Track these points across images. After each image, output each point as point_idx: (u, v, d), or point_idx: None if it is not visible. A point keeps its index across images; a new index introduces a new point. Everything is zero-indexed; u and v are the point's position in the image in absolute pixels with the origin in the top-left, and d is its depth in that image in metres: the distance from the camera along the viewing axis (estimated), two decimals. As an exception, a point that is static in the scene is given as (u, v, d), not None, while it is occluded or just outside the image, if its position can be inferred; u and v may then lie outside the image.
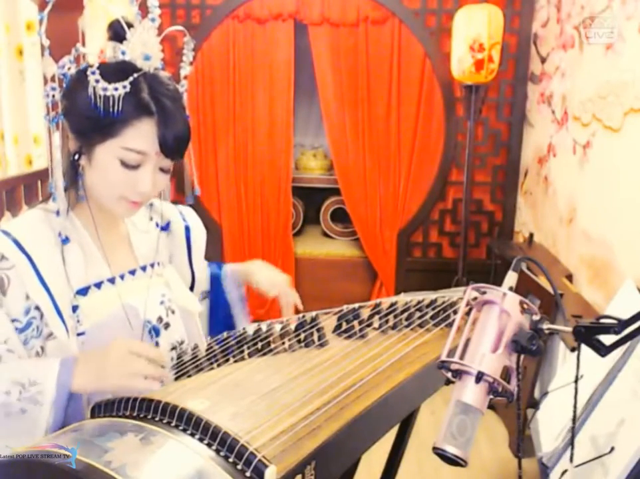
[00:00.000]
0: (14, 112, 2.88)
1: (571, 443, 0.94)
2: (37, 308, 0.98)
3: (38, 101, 2.92)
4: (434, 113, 3.44)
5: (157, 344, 1.12)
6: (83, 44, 1.02)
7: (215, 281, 1.40)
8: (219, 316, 1.38)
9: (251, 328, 1.14)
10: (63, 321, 1.00)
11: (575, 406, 0.90)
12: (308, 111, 4.21)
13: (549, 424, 1.55)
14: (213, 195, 3.58)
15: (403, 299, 1.30)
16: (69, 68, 1.01)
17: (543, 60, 3.15)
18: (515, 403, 0.82)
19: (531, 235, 3.14)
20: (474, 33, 2.97)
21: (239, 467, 0.74)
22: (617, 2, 2.27)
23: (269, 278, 1.36)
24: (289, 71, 3.42)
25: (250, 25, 3.36)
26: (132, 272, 1.14)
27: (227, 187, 3.57)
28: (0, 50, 2.79)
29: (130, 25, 1.01)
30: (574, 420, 0.90)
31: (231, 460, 0.74)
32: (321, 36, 3.37)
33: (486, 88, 3.24)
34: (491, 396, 0.78)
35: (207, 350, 1.08)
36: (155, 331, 1.11)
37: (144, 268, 1.16)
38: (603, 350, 0.80)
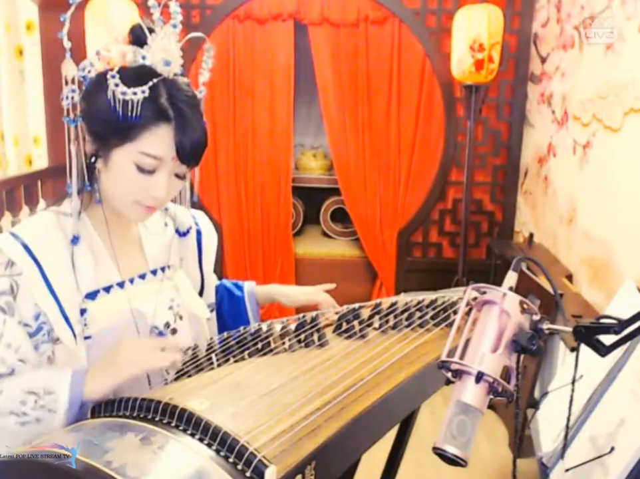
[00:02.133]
0: (14, 112, 2.88)
1: (564, 440, 0.94)
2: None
3: (38, 101, 2.92)
4: (434, 113, 3.44)
5: (162, 351, 1.11)
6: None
7: (233, 300, 1.39)
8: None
9: (251, 329, 1.14)
10: (70, 327, 0.99)
11: (570, 405, 0.90)
12: (308, 111, 4.21)
13: (549, 424, 1.55)
14: (213, 195, 3.58)
15: (403, 299, 1.30)
16: (89, 71, 1.01)
17: (543, 60, 3.15)
18: (514, 403, 0.82)
19: (531, 235, 3.14)
20: (474, 33, 2.97)
21: (239, 467, 0.74)
22: (617, 2, 2.27)
23: (302, 302, 1.36)
24: (289, 71, 3.42)
25: (250, 25, 3.36)
26: (142, 276, 1.13)
27: (227, 187, 3.57)
28: (1, 50, 2.79)
29: (151, 30, 1.02)
30: (568, 418, 0.91)
31: (231, 460, 0.74)
32: (321, 37, 3.37)
33: (486, 88, 3.25)
34: (491, 396, 0.78)
35: (207, 350, 1.08)
36: (162, 337, 1.11)
37: (154, 272, 1.15)
38: (603, 350, 0.80)
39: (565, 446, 0.93)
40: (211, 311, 1.36)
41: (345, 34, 3.36)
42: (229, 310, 1.38)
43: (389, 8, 3.30)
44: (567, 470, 1.21)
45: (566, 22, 2.82)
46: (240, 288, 1.41)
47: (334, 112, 3.47)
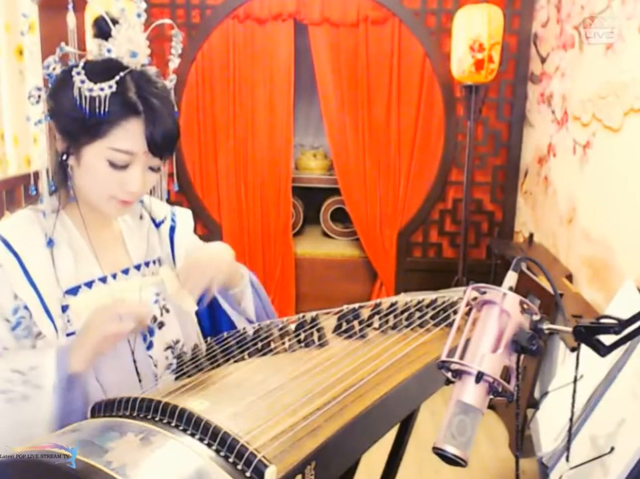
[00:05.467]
0: (14, 112, 2.87)
1: (567, 444, 0.93)
2: (26, 307, 0.98)
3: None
4: (434, 113, 3.44)
5: (151, 344, 1.11)
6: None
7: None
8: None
9: (251, 329, 1.14)
10: (52, 320, 0.99)
11: (572, 406, 0.90)
12: (308, 111, 4.21)
13: (549, 424, 1.55)
14: (213, 195, 3.58)
15: (403, 299, 1.30)
16: (54, 68, 1.00)
17: (543, 60, 3.15)
18: (514, 403, 0.82)
19: (531, 235, 3.14)
20: (474, 33, 2.97)
21: (239, 467, 0.74)
22: (617, 2, 2.27)
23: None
24: (289, 71, 3.42)
25: (250, 25, 3.36)
26: (125, 271, 1.12)
27: (227, 187, 3.57)
28: (1, 50, 2.79)
29: (115, 21, 0.99)
30: (571, 420, 0.90)
31: (231, 460, 0.74)
32: (321, 36, 3.38)
33: (486, 88, 3.24)
34: (491, 396, 0.78)
35: (207, 350, 1.08)
36: (149, 331, 1.11)
37: (137, 267, 1.15)
38: (603, 350, 0.80)
39: (569, 448, 0.92)
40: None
41: (345, 34, 3.36)
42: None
43: (389, 8, 3.30)
44: (567, 470, 1.21)
45: (566, 22, 2.82)
46: None
47: (334, 112, 3.47)
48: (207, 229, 3.55)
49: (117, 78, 0.96)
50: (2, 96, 2.81)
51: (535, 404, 1.79)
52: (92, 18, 1.01)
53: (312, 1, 3.31)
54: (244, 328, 1.14)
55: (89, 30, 1.03)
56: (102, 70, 0.96)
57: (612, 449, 1.17)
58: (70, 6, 0.97)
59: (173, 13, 3.39)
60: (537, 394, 2.49)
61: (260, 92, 3.44)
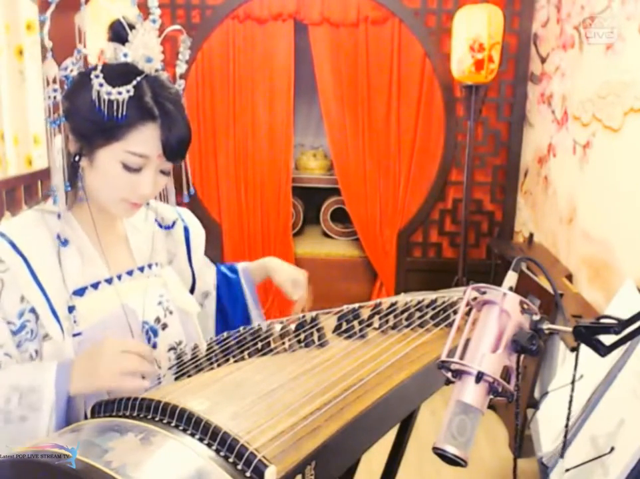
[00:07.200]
0: (14, 112, 2.88)
1: (564, 440, 0.93)
2: (32, 311, 0.98)
3: (38, 101, 2.92)
4: (434, 113, 3.44)
5: (155, 344, 1.12)
6: (81, 43, 1.01)
7: (230, 283, 1.40)
8: (234, 318, 1.38)
9: (251, 329, 1.14)
10: (59, 322, 1.00)
11: (570, 405, 0.90)
12: (308, 111, 4.21)
13: (549, 424, 1.55)
14: (213, 195, 3.58)
15: (403, 299, 1.30)
16: (71, 70, 1.00)
17: (543, 60, 3.15)
18: (514, 403, 0.82)
19: (531, 235, 3.14)
20: (474, 33, 2.97)
21: (239, 467, 0.74)
22: (617, 2, 2.27)
23: (292, 280, 1.39)
24: (289, 71, 3.42)
25: (250, 25, 3.36)
26: (130, 272, 1.13)
27: (227, 187, 3.57)
28: (1, 50, 2.79)
29: (131, 26, 1.01)
30: (568, 417, 0.90)
31: (231, 460, 0.74)
32: (321, 36, 3.38)
33: (486, 88, 3.25)
34: (491, 396, 0.78)
35: (207, 350, 1.08)
36: (153, 332, 1.11)
37: (141, 268, 1.16)
38: (603, 350, 0.80)
39: (564, 445, 0.92)
40: (206, 297, 1.38)
41: (345, 34, 3.36)
42: (227, 295, 1.39)
43: (389, 8, 3.30)
44: (567, 470, 1.21)
45: (566, 22, 2.82)
46: (235, 271, 1.42)
47: (334, 112, 3.47)
48: (207, 229, 3.54)
49: (134, 82, 0.97)
50: (2, 96, 2.81)
51: (535, 404, 1.79)
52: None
53: (312, 1, 3.31)
54: (243, 328, 1.14)
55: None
56: (119, 74, 0.97)
57: (612, 449, 1.17)
58: (83, 7, 0.98)
59: (173, 13, 3.39)
60: (537, 394, 2.49)
61: (260, 92, 3.44)
